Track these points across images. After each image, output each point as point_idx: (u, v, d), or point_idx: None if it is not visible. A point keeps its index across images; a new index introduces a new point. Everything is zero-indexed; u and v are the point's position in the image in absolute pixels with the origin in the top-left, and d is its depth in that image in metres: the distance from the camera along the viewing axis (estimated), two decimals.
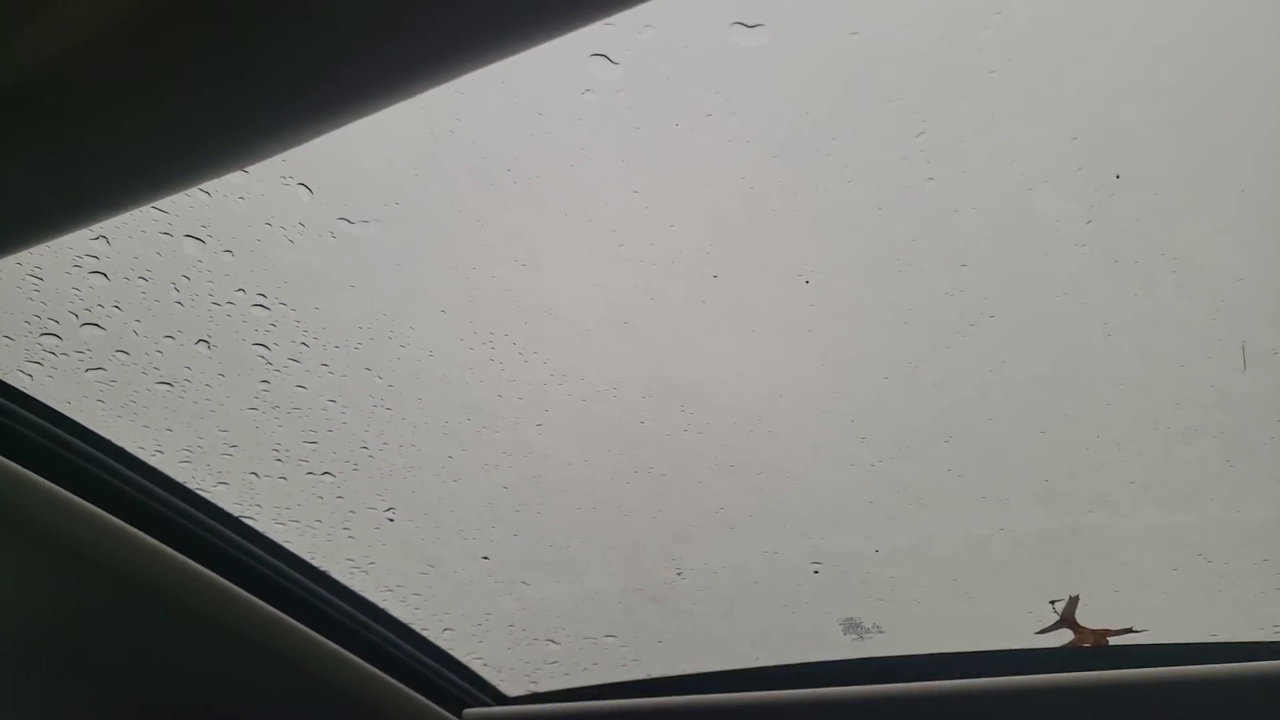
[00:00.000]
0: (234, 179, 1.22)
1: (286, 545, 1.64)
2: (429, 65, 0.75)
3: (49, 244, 0.90)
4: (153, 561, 1.40)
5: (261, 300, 1.35)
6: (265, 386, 1.45)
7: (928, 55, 1.09)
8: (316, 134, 0.80)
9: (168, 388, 1.42)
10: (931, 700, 1.70)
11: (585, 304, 1.33)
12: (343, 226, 1.27)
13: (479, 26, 0.70)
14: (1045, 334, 1.31)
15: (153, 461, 1.45)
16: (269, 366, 1.43)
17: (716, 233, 1.26)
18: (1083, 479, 1.47)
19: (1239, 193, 1.16)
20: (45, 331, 1.32)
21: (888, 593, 1.66)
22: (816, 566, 1.64)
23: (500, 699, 1.95)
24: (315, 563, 1.68)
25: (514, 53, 0.74)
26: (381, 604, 1.75)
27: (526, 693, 1.95)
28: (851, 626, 1.71)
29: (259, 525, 1.60)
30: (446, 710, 1.86)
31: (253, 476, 1.56)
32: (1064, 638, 1.64)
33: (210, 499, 1.56)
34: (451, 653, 1.84)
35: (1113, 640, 1.64)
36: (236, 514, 1.59)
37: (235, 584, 1.53)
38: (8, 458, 1.23)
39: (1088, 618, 1.62)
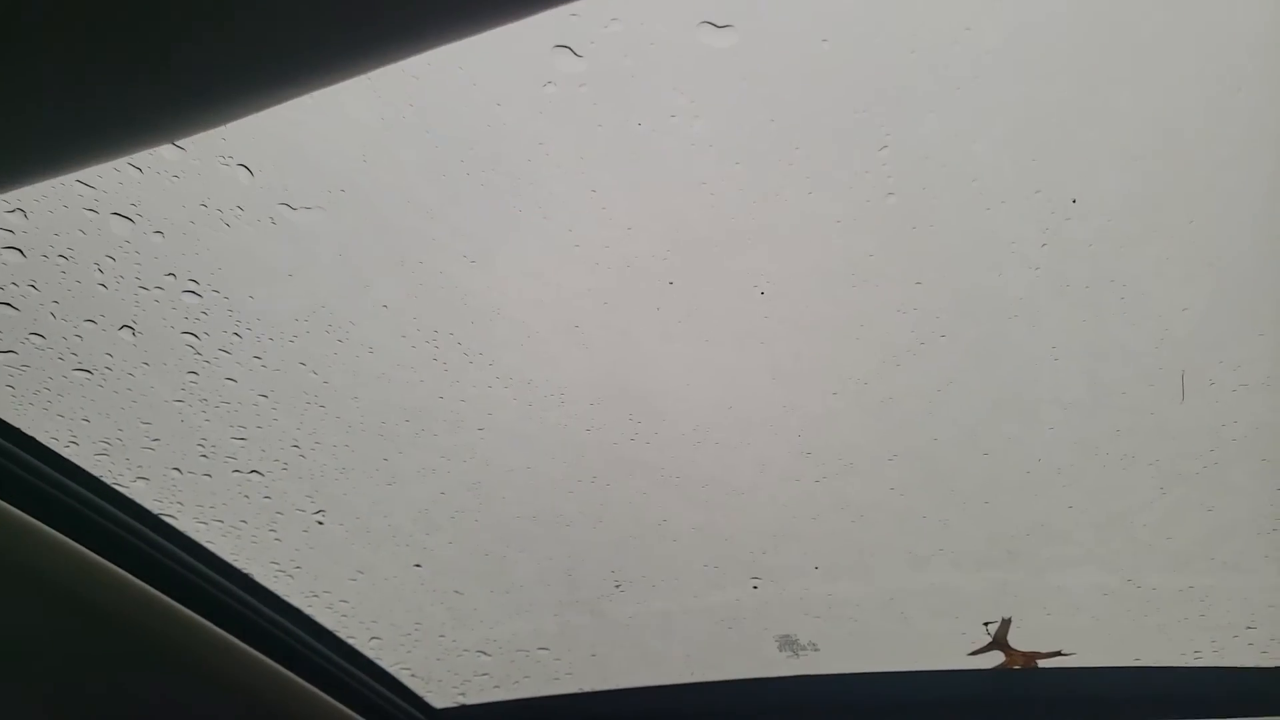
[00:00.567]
0: (168, 156, 1.12)
1: (208, 546, 1.53)
2: (382, 38, 0.67)
3: None
4: (62, 558, 1.28)
5: (193, 286, 1.25)
6: (193, 378, 1.34)
7: (896, 68, 1.05)
8: (258, 108, 0.72)
9: (86, 375, 1.30)
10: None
11: (535, 305, 1.26)
12: (284, 212, 1.18)
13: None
14: (994, 355, 1.28)
15: (66, 453, 1.32)
16: (198, 357, 1.32)
17: (674, 238, 1.19)
18: (1022, 502, 1.44)
19: (1188, 224, 1.14)
20: None
21: (825, 610, 1.61)
22: (756, 582, 1.58)
23: (427, 711, 1.84)
24: (238, 565, 1.56)
25: (474, 31, 0.66)
26: (306, 610, 1.64)
27: (455, 704, 1.84)
28: (787, 644, 1.65)
29: (179, 524, 1.48)
30: None
31: (175, 473, 1.44)
32: (996, 659, 1.61)
33: (128, 495, 1.44)
34: (378, 662, 1.74)
35: (1042, 663, 1.61)
36: (156, 511, 1.47)
37: (150, 584, 1.41)
38: None
39: (1019, 640, 1.59)
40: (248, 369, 1.34)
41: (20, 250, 1.15)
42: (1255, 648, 1.55)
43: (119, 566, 1.37)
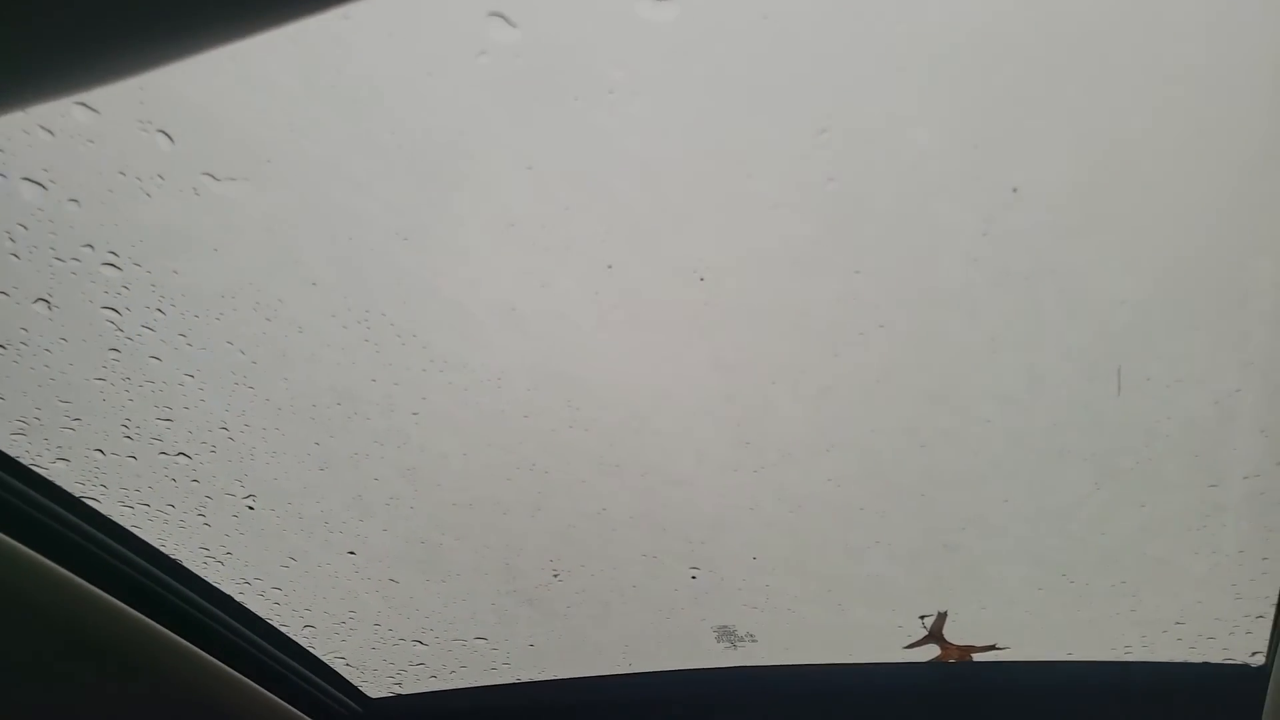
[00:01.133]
0: (82, 119, 1.03)
1: (134, 530, 1.44)
2: None
3: None
4: None
5: (112, 259, 1.16)
6: (115, 355, 1.25)
7: (837, 47, 0.99)
8: (171, 59, 0.64)
9: None
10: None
11: (470, 286, 1.19)
12: (207, 183, 1.10)
13: None
14: (932, 346, 1.23)
15: None
16: (119, 334, 1.23)
17: (613, 220, 1.13)
18: (958, 495, 1.39)
19: (1129, 216, 1.10)
20: None
21: (763, 601, 1.56)
22: (694, 572, 1.53)
23: (362, 701, 1.76)
24: (166, 550, 1.47)
25: None
26: (238, 598, 1.56)
27: (390, 694, 1.77)
28: (725, 634, 1.60)
29: (103, 507, 1.39)
30: (304, 713, 1.67)
31: (98, 454, 1.35)
32: (931, 652, 1.57)
33: (47, 476, 1.35)
34: (312, 651, 1.66)
35: (976, 657, 1.57)
36: (78, 494, 1.38)
37: (72, 571, 1.32)
38: None
39: (954, 634, 1.55)
40: (173, 347, 1.25)
41: None
42: (1184, 643, 1.53)
43: (38, 552, 1.28)
